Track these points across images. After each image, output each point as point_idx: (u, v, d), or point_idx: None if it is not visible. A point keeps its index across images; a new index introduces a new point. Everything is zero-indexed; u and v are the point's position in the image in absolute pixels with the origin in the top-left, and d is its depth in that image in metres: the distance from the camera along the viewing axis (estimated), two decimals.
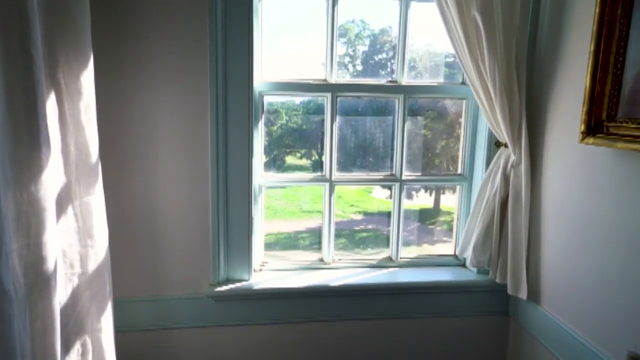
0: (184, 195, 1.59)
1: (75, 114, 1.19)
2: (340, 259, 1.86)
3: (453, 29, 1.52)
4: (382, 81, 1.76)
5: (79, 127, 1.20)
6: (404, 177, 1.82)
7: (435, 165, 2.00)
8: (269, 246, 1.87)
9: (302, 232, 1.94)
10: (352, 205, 2.02)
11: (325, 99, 1.73)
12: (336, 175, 1.79)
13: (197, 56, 1.52)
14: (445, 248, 1.98)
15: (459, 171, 1.88)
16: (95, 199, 1.26)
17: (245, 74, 1.55)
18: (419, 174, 1.89)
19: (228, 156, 1.59)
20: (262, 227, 1.80)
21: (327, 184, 1.79)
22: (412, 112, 1.87)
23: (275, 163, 1.81)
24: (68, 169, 1.18)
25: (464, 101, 1.82)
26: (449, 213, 1.98)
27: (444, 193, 2.04)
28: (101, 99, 1.41)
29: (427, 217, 2.03)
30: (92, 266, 1.26)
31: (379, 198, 2.03)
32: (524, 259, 1.62)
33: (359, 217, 2.02)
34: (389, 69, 1.82)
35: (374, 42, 1.82)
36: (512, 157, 1.60)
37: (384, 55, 1.81)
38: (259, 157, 1.72)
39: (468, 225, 1.74)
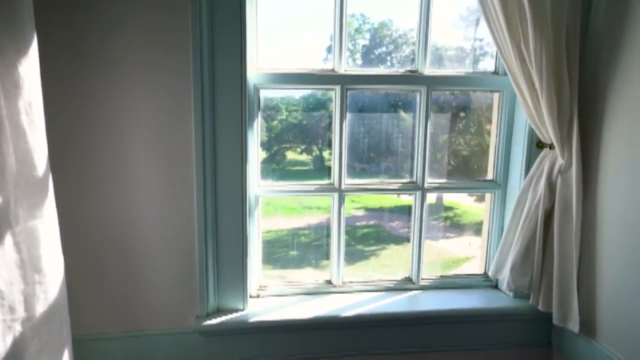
0: (163, 211, 1.33)
1: (13, 115, 0.92)
2: (351, 281, 1.59)
3: (489, 5, 1.24)
4: (401, 71, 1.48)
5: (18, 131, 0.93)
6: (426, 185, 1.54)
7: (460, 169, 1.72)
8: (269, 245, 1.66)
9: (303, 228, 1.80)
10: (352, 201, 1.89)
11: (334, 92, 1.45)
12: (346, 183, 1.51)
13: (177, 44, 1.25)
14: (450, 246, 1.84)
15: (490, 176, 1.60)
16: (44, 223, 0.99)
17: (236, 63, 1.28)
18: (443, 180, 1.61)
19: (217, 163, 1.32)
20: (260, 245, 1.53)
21: (335, 195, 1.51)
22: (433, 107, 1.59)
23: (275, 158, 1.65)
24: (4, 186, 0.91)
25: (497, 94, 1.54)
26: (452, 208, 1.86)
27: None
28: (55, 97, 1.15)
29: (430, 212, 1.85)
30: (40, 308, 0.99)
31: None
32: (574, 284, 1.35)
33: (361, 213, 1.88)
34: (389, 63, 1.64)
35: (374, 36, 1.64)
36: (560, 161, 1.33)
37: (384, 49, 1.63)
38: (254, 163, 1.45)
39: (503, 241, 1.47)
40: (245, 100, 1.30)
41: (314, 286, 1.56)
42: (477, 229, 1.85)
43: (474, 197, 1.87)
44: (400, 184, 1.56)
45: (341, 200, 1.51)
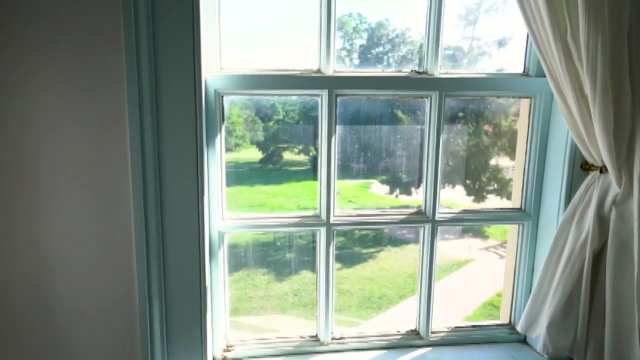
0: (92, 257, 1.00)
1: None
2: (342, 337, 1.26)
3: None
4: (406, 71, 1.16)
5: None
6: (438, 216, 1.22)
7: (479, 193, 1.41)
8: (266, 245, 1.56)
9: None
10: (350, 201, 1.90)
11: (320, 98, 1.13)
12: (337, 214, 1.19)
13: (105, 36, 0.93)
14: (450, 248, 1.86)
15: (518, 204, 1.28)
16: None
17: (188, 60, 0.96)
18: (458, 210, 1.28)
19: (163, 195, 1.00)
20: (227, 294, 1.20)
21: (322, 229, 1.18)
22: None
23: (272, 158, 1.61)
24: None
25: (528, 101, 1.22)
26: (450, 208, 1.70)
27: (444, 187, 1.60)
28: None
29: None
30: None
31: (378, 194, 1.86)
32: (636, 348, 1.02)
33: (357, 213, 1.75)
34: (385, 62, 1.52)
35: (372, 35, 1.48)
36: (615, 189, 1.02)
37: (381, 48, 1.48)
38: (217, 191, 1.12)
39: (537, 289, 1.15)
40: (201, 111, 0.98)
41: (297, 344, 1.24)
42: (476, 230, 1.71)
43: (472, 197, 1.69)
44: (404, 215, 1.23)
45: (330, 237, 1.18)
